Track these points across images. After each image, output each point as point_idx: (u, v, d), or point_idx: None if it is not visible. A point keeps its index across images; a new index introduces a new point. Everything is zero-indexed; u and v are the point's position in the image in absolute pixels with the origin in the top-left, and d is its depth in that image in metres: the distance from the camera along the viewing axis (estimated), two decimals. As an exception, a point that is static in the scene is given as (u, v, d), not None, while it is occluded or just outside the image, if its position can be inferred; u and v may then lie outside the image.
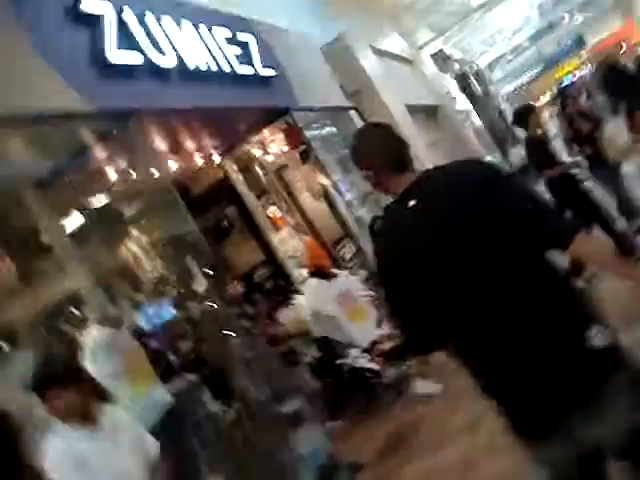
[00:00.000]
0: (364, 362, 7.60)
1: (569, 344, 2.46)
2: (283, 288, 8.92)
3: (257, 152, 10.14)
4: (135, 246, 9.01)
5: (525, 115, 7.38)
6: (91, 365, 4.62)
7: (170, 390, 4.91)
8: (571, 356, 2.45)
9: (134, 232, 9.05)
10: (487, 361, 2.59)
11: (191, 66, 6.29)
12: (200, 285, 8.65)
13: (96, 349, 4.59)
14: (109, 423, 3.41)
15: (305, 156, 9.66)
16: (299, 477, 5.60)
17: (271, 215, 10.33)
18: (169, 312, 7.83)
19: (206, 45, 6.75)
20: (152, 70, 5.74)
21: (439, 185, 2.60)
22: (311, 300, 8.22)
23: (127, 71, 5.47)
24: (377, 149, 2.66)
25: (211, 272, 8.63)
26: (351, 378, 7.53)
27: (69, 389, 3.25)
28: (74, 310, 5.82)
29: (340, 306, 7.99)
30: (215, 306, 7.71)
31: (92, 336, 4.80)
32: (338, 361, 7.58)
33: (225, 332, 6.39)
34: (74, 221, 6.96)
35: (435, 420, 6.23)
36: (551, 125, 7.24)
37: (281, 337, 7.73)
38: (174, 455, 4.02)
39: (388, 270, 2.69)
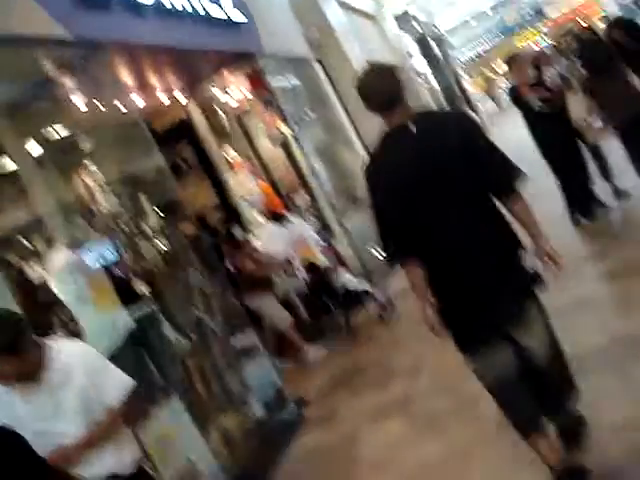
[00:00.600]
0: (356, 284, 7.94)
1: (504, 261, 3.03)
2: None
3: (221, 96, 10.19)
4: (90, 180, 8.98)
5: (508, 64, 7.45)
6: (58, 286, 4.78)
7: (131, 315, 5.06)
8: (506, 271, 3.02)
9: (91, 166, 9.00)
10: (440, 276, 3.08)
11: (167, 5, 6.35)
12: (152, 224, 8.69)
13: (63, 270, 4.73)
14: (56, 378, 3.25)
15: (267, 103, 9.75)
16: (247, 408, 5.85)
17: (229, 159, 10.40)
18: (118, 250, 7.83)
19: (182, -15, 6.78)
20: (130, 4, 5.81)
21: (433, 120, 3.13)
22: (266, 244, 8.41)
23: (105, 3, 5.52)
24: (369, 90, 3.05)
25: (163, 212, 8.65)
26: (345, 299, 7.84)
27: (11, 357, 3.13)
28: (24, 240, 5.85)
29: (294, 251, 8.22)
30: (165, 246, 7.78)
31: (59, 257, 4.92)
32: (332, 283, 7.87)
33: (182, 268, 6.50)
34: (35, 150, 6.96)
35: (381, 360, 6.55)
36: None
37: (263, 264, 7.95)
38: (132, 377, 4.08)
39: (378, 181, 3.10)
